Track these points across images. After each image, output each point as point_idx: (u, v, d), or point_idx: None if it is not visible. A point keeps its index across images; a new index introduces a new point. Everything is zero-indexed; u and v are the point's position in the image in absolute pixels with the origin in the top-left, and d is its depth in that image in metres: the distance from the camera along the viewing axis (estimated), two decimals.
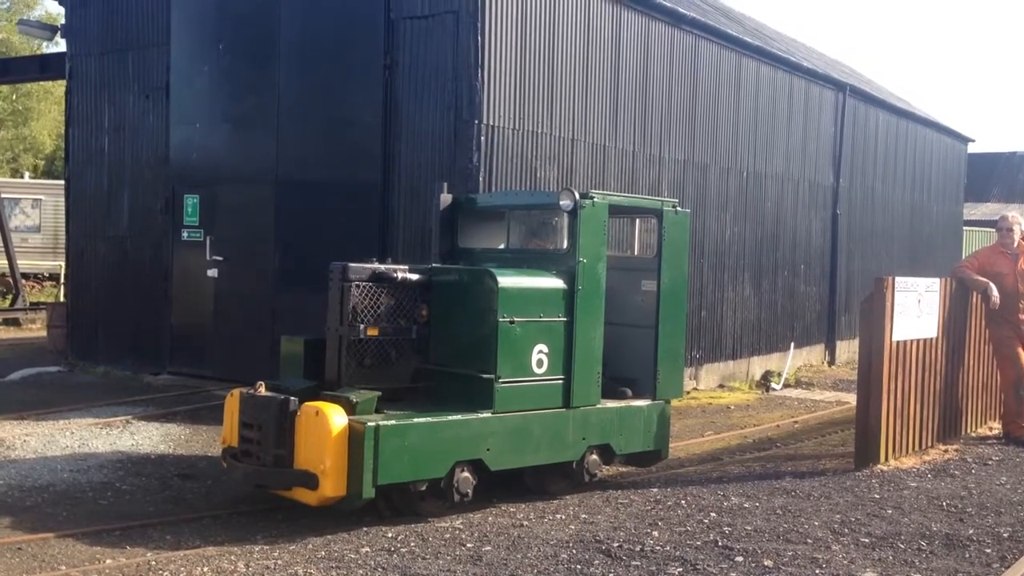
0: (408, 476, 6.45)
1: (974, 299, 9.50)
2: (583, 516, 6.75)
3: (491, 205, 8.46)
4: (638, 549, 5.88)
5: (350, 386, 6.74)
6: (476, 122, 9.94)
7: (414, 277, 7.20)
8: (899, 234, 20.30)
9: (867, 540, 6.12)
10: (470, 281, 7.15)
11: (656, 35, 12.60)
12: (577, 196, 7.22)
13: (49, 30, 17.07)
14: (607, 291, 7.49)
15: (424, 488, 6.60)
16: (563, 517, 6.73)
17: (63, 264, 16.40)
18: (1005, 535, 6.23)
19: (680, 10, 12.86)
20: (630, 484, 7.86)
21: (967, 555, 5.85)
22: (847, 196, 17.67)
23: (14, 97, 37.25)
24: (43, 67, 17.20)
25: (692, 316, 12.53)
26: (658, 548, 5.91)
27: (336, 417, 6.30)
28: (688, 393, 12.48)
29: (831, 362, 17.30)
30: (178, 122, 12.42)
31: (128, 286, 13.02)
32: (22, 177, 32.05)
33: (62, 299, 17.85)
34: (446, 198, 8.21)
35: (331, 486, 6.25)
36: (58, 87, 30.38)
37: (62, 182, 15.24)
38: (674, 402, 8.57)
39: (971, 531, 6.31)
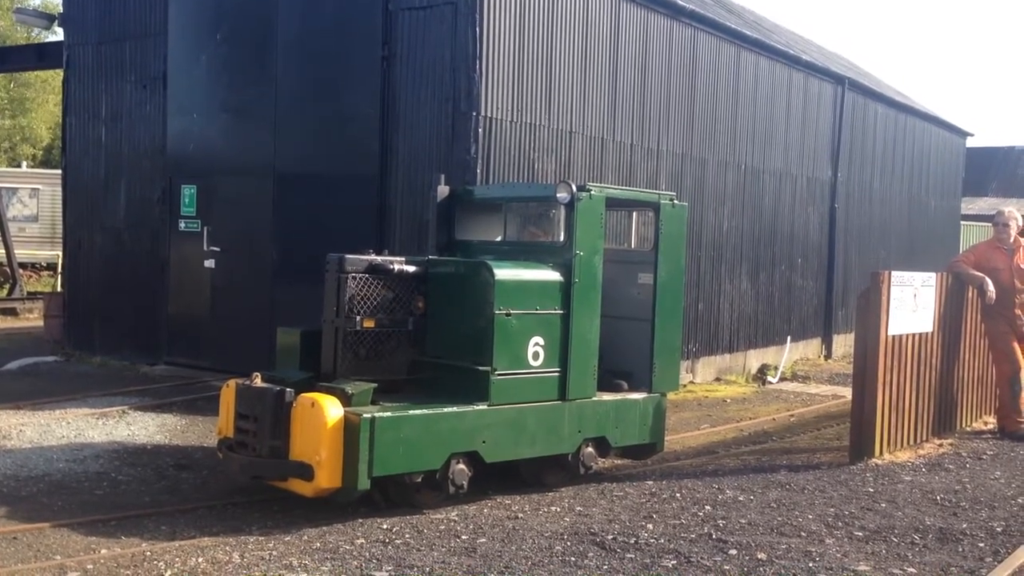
0: (403, 468, 6.46)
1: (970, 294, 9.52)
2: (578, 508, 6.77)
3: (488, 197, 8.46)
4: (632, 542, 5.90)
5: (346, 378, 6.74)
6: (474, 114, 9.93)
7: (411, 269, 7.19)
8: (897, 228, 20.30)
9: (861, 534, 6.15)
10: (467, 273, 7.15)
11: (655, 28, 12.58)
12: (574, 189, 7.21)
13: (46, 18, 17.01)
14: (604, 284, 7.48)
15: (419, 480, 6.60)
16: (558, 509, 6.74)
17: (60, 254, 16.38)
18: (999, 529, 6.26)
19: (679, 2, 12.83)
20: (625, 477, 7.87)
21: (960, 549, 5.87)
22: (845, 190, 17.67)
23: (11, 86, 37.17)
24: (40, 56, 17.15)
25: (689, 309, 12.53)
26: (652, 541, 5.93)
27: (332, 408, 6.30)
28: (684, 386, 12.50)
29: (827, 356, 17.32)
30: (175, 112, 12.39)
31: (125, 276, 13.01)
32: (19, 166, 31.98)
33: (59, 289, 17.83)
34: (443, 190, 8.21)
35: (326, 477, 6.26)
36: (56, 76, 30.29)
37: (59, 171, 15.22)
38: (670, 395, 8.58)
39: (965, 525, 6.33)
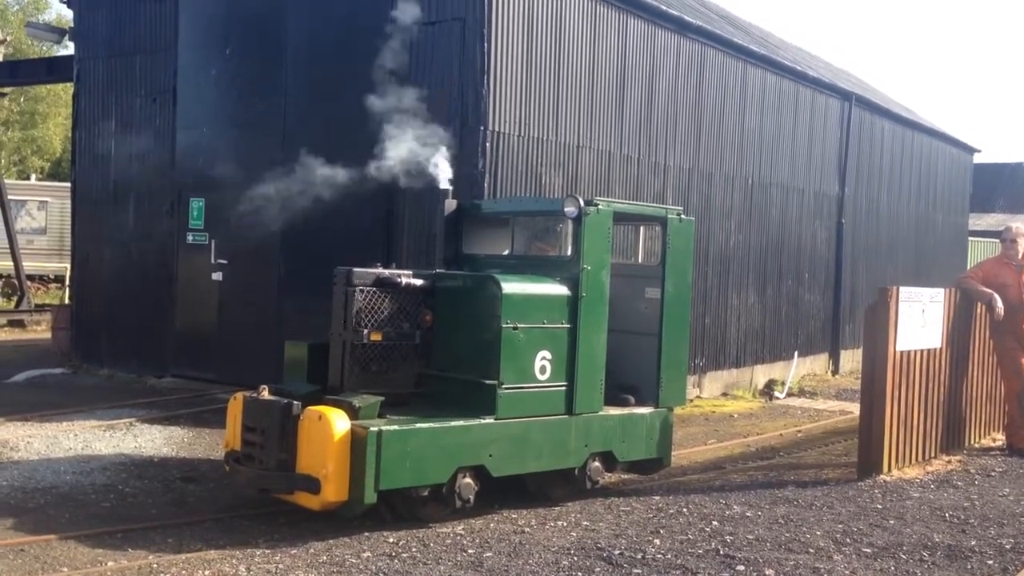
0: (410, 481, 6.45)
1: (978, 310, 9.50)
2: (585, 523, 6.75)
3: (496, 211, 8.48)
4: (639, 557, 5.88)
5: (353, 391, 6.74)
6: (482, 128, 9.96)
7: (418, 282, 7.21)
8: (904, 244, 20.28)
9: (869, 550, 6.12)
10: (474, 287, 7.16)
11: (662, 43, 12.62)
12: (582, 203, 7.22)
13: (58, 33, 17.16)
14: (611, 298, 7.49)
15: (426, 493, 6.59)
16: (565, 524, 6.73)
17: (68, 266, 16.43)
18: (1007, 546, 6.22)
19: (686, 18, 12.88)
20: (632, 491, 7.85)
21: (969, 566, 5.84)
22: (852, 206, 17.67)
23: (22, 100, 37.40)
24: (51, 69, 17.29)
25: (696, 324, 12.52)
26: (659, 556, 5.91)
27: (339, 422, 6.30)
28: (691, 401, 12.48)
29: (835, 371, 17.27)
30: (184, 126, 12.45)
31: (133, 289, 13.05)
32: (29, 179, 32.13)
33: (67, 301, 17.89)
34: (451, 204, 8.23)
35: (333, 491, 6.25)
36: (67, 90, 30.47)
37: (68, 184, 15.29)
38: (677, 410, 8.56)
39: (973, 542, 6.30)
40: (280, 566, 5.71)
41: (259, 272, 11.77)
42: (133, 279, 13.07)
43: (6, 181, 25.28)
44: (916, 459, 8.58)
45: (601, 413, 7.46)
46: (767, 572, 5.63)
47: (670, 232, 7.91)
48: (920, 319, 8.45)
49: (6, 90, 25.15)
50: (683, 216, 8.09)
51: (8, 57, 28.43)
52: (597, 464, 7.52)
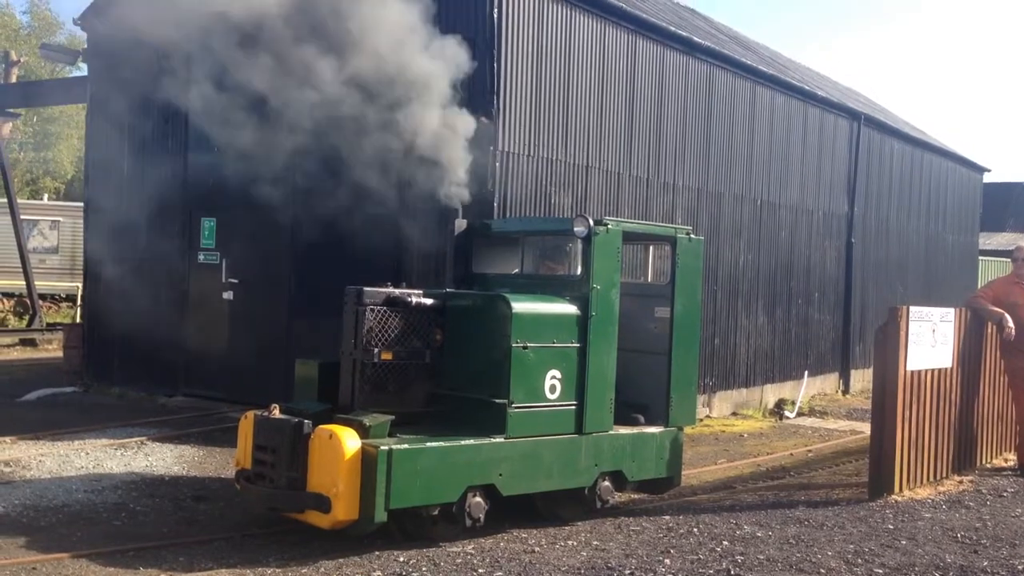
0: (420, 500, 6.46)
1: (989, 329, 9.47)
2: (595, 543, 6.74)
3: (505, 231, 8.52)
4: None
5: (364, 410, 6.77)
6: (491, 148, 10.01)
7: (428, 302, 7.24)
8: (914, 263, 20.24)
9: (881, 571, 6.09)
10: (484, 306, 7.19)
11: (671, 63, 12.68)
12: (591, 223, 7.26)
13: (71, 55, 17.31)
14: (620, 317, 7.50)
15: (436, 513, 6.60)
16: (575, 543, 6.72)
17: (80, 285, 16.51)
18: (1020, 567, 6.19)
19: (695, 39, 12.95)
20: (642, 511, 7.83)
21: None
22: (861, 225, 17.66)
23: (35, 120, 37.70)
24: (64, 90, 17.43)
25: (705, 343, 12.50)
26: None
27: (349, 440, 6.32)
28: (701, 420, 12.45)
29: (845, 391, 17.22)
30: (196, 146, 12.53)
31: (144, 308, 13.08)
32: (41, 199, 32.35)
33: (79, 320, 17.96)
34: (461, 223, 8.27)
35: (343, 509, 6.27)
36: (79, 111, 30.74)
37: (80, 204, 15.38)
38: (687, 429, 8.55)
39: (985, 563, 6.27)
40: None
41: (270, 291, 11.81)
42: (144, 298, 13.10)
43: (19, 200, 25.49)
44: (927, 479, 8.55)
45: (611, 432, 7.46)
46: None
47: (679, 251, 7.93)
48: (931, 339, 8.44)
49: (19, 111, 25.40)
50: (692, 235, 8.12)
51: (21, 78, 28.71)
52: (607, 483, 7.52)
